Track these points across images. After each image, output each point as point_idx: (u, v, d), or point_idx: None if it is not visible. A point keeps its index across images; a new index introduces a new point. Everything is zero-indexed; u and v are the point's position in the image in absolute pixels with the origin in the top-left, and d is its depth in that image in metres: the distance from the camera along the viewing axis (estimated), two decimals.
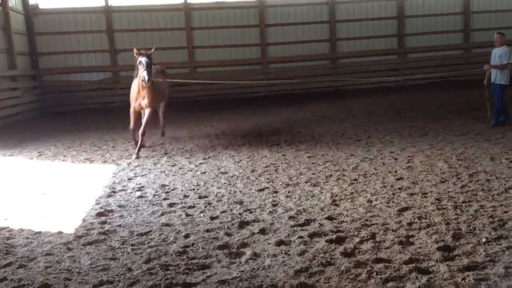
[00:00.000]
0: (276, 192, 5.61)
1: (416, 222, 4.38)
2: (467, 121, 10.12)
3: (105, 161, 7.91)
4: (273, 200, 5.28)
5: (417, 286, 3.18)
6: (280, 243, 4.06)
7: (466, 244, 3.81)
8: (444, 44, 19.94)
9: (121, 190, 5.94)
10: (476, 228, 4.14)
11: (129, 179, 6.52)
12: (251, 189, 5.78)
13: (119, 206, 5.27)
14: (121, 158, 8.03)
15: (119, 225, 4.65)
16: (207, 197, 5.47)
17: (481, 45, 19.21)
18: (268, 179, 6.24)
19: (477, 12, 20.10)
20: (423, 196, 5.17)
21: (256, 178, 6.28)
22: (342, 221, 4.53)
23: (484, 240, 3.87)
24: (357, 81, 17.81)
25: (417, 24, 19.81)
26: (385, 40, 19.65)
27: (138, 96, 8.15)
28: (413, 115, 11.61)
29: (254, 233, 4.31)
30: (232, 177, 6.42)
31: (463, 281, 3.21)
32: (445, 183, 5.60)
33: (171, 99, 10.91)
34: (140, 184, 6.21)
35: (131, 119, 8.36)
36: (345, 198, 5.28)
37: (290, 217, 4.68)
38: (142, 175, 6.72)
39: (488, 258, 3.53)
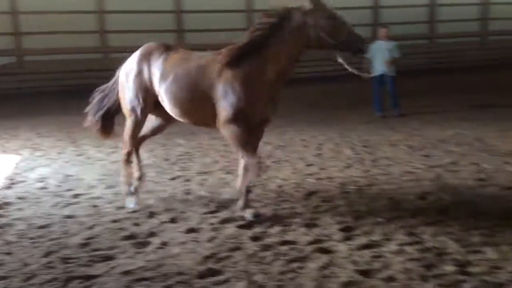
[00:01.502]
0: (188, 180, 5.56)
1: (321, 206, 4.58)
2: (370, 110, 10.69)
3: (5, 151, 7.35)
4: (186, 189, 5.23)
5: (319, 265, 3.33)
6: (190, 230, 4.04)
7: (365, 225, 4.05)
8: None
9: (21, 182, 5.56)
10: (375, 210, 4.41)
11: (31, 169, 6.12)
12: (163, 178, 5.68)
13: (18, 198, 4.94)
14: (23, 148, 7.51)
15: (17, 218, 4.36)
16: (115, 187, 5.29)
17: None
18: (181, 167, 6.17)
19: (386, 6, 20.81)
20: (329, 181, 5.41)
21: (169, 167, 6.19)
22: (253, 207, 4.60)
23: (380, 220, 4.13)
24: None
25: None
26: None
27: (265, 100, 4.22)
28: (325, 103, 12.05)
29: (163, 222, 4.25)
30: (144, 166, 6.26)
31: (360, 258, 3.42)
32: (350, 168, 5.89)
33: None
34: (42, 175, 5.85)
35: (244, 147, 4.20)
36: (257, 184, 5.36)
37: (202, 205, 4.67)
38: (45, 166, 6.32)
39: (384, 237, 3.78)
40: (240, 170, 4.49)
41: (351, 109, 10.51)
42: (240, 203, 4.38)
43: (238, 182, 4.52)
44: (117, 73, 4.84)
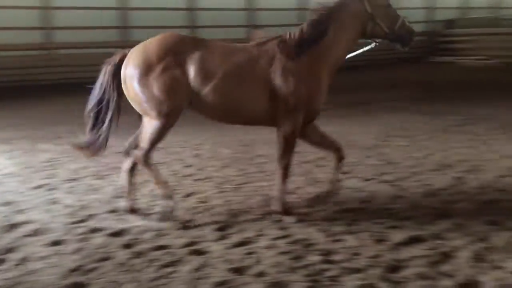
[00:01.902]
0: (55, 189, 5.16)
1: (198, 207, 4.55)
2: None
3: None
4: (51, 198, 4.84)
5: (192, 267, 3.30)
6: (54, 243, 3.74)
7: (240, 223, 4.11)
8: None
9: None
10: (250, 207, 4.50)
11: None
12: (24, 187, 5.19)
13: None
14: None
15: None
16: None
17: None
18: (47, 175, 5.69)
19: (202, 9, 20.68)
20: (207, 181, 5.41)
21: (33, 175, 5.67)
22: (125, 213, 4.42)
23: (254, 216, 4.23)
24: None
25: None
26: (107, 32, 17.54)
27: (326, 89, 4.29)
28: None
29: (24, 236, 3.88)
30: (2, 175, 5.67)
31: (234, 256, 3.46)
32: (227, 167, 5.96)
33: None
34: None
35: (294, 143, 4.29)
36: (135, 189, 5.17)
37: (69, 214, 4.35)
38: None
39: (257, 233, 3.87)
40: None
41: None
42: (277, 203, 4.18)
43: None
44: (107, 75, 4.08)
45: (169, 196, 4.17)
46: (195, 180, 5.46)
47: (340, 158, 4.37)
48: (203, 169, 5.93)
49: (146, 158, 4.03)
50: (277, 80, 3.96)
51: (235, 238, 3.78)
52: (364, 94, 12.84)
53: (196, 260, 3.41)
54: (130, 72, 3.92)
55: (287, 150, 4.18)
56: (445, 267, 3.20)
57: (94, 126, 4.17)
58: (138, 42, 4.20)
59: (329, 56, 4.09)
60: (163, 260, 3.43)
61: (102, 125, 4.13)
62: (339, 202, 4.53)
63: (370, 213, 4.25)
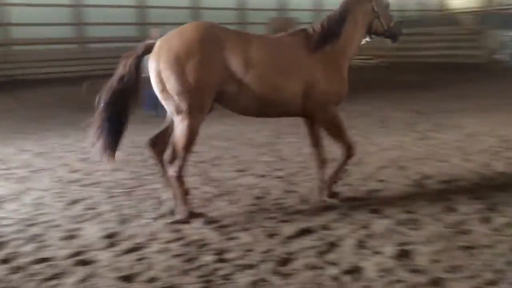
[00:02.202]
0: None
1: (85, 214, 4.29)
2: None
3: None
4: None
5: (78, 279, 3.09)
6: None
7: (131, 228, 3.95)
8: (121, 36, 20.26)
9: None
10: (142, 211, 4.35)
11: None
12: None
13: None
14: None
15: None
16: None
17: None
18: None
19: (151, 6, 21.31)
20: (95, 186, 5.13)
21: None
22: (4, 225, 4.04)
23: (146, 221, 4.09)
24: (35, 71, 16.47)
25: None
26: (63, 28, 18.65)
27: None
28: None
29: None
30: None
31: (124, 263, 3.31)
32: (118, 171, 5.71)
33: None
34: None
35: (345, 129, 4.37)
36: (11, 199, 4.74)
37: None
38: None
39: (149, 238, 3.75)
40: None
41: None
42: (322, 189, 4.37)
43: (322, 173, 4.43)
44: (130, 67, 3.84)
45: (183, 214, 4.01)
46: (82, 185, 5.16)
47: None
48: (91, 174, 5.62)
49: (182, 167, 3.94)
50: (311, 70, 4.10)
51: (125, 245, 3.62)
52: None
53: (82, 271, 3.20)
54: (166, 63, 3.72)
55: (339, 133, 4.31)
56: (331, 256, 3.36)
57: (109, 120, 3.90)
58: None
59: (348, 49, 4.37)
60: (45, 273, 3.18)
61: (118, 119, 3.94)
62: (234, 200, 4.56)
63: (263, 209, 4.33)
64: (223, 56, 3.81)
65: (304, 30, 4.30)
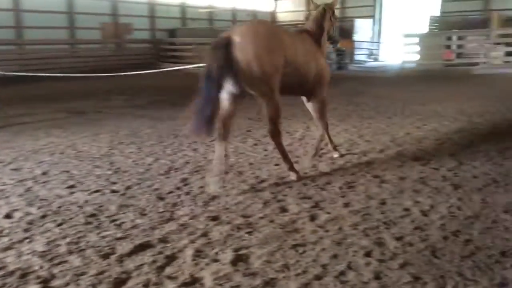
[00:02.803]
0: None
1: None
2: None
3: None
4: None
5: None
6: None
7: None
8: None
9: None
10: None
11: None
12: None
13: None
14: None
15: None
16: None
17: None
18: None
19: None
20: None
21: None
22: None
23: None
24: None
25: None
26: None
27: None
28: None
29: None
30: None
31: None
32: None
33: None
34: None
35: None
36: None
37: None
38: None
39: None
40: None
41: None
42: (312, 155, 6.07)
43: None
44: (221, 57, 4.53)
45: (292, 169, 5.32)
46: None
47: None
48: None
49: (278, 132, 5.10)
50: (320, 59, 5.62)
51: None
52: (93, 101, 12.44)
53: None
54: (258, 53, 4.61)
55: (324, 111, 5.87)
56: (170, 270, 3.28)
57: (208, 103, 4.62)
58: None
59: (325, 46, 5.94)
60: None
61: (213, 106, 4.63)
62: (64, 220, 4.18)
63: (96, 227, 4.05)
64: (283, 47, 4.87)
65: (307, 29, 5.73)
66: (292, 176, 5.28)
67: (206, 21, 31.03)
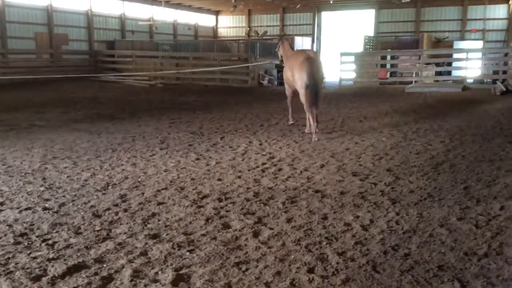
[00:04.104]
0: None
1: None
2: None
3: None
4: None
5: None
6: None
7: None
8: None
9: None
10: None
11: None
12: None
13: None
14: None
15: None
16: None
17: None
18: None
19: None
20: None
21: None
22: None
23: None
24: None
25: None
26: None
27: None
28: None
29: None
30: None
31: None
32: None
33: None
34: None
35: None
36: None
37: None
38: None
39: None
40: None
41: None
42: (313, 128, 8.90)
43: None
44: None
45: (314, 130, 8.89)
46: None
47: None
48: None
49: (309, 108, 8.81)
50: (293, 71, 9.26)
51: None
52: (25, 114, 11.81)
53: None
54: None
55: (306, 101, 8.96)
56: None
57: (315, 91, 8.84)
58: None
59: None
60: None
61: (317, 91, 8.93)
62: None
63: (26, 247, 3.78)
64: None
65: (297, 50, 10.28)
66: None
67: (146, 34, 30.56)
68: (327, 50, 33.36)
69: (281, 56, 10.45)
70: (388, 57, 23.08)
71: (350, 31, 32.26)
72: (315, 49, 33.23)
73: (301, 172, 6.39)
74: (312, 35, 33.29)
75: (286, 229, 4.28)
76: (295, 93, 9.62)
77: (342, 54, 22.30)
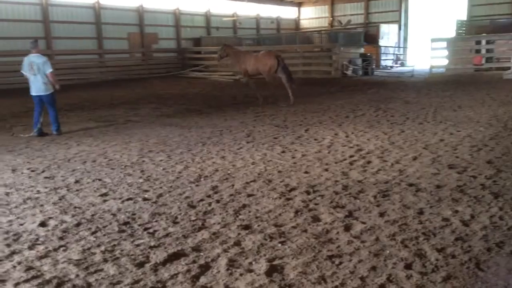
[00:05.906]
0: None
1: None
2: None
3: None
4: None
5: None
6: None
7: None
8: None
9: None
10: None
11: None
12: None
13: None
14: None
15: None
16: None
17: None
18: None
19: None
20: None
21: None
22: None
23: None
24: None
25: None
26: None
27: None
28: None
29: None
30: None
31: None
32: None
33: None
34: None
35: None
36: None
37: None
38: None
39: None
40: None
41: None
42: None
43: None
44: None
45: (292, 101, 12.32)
46: None
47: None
48: None
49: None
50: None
51: None
52: (121, 110, 12.60)
53: None
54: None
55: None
56: (205, 279, 3.25)
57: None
58: None
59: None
60: None
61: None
62: (98, 228, 4.20)
63: (130, 235, 4.05)
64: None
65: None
66: None
67: (230, 30, 31.19)
68: (414, 36, 31.84)
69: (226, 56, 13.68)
70: (483, 42, 21.48)
71: (440, 16, 30.47)
72: (401, 36, 32.00)
73: (392, 164, 6.18)
74: (398, 21, 31.91)
75: (379, 223, 4.16)
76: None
77: (433, 40, 21.16)
